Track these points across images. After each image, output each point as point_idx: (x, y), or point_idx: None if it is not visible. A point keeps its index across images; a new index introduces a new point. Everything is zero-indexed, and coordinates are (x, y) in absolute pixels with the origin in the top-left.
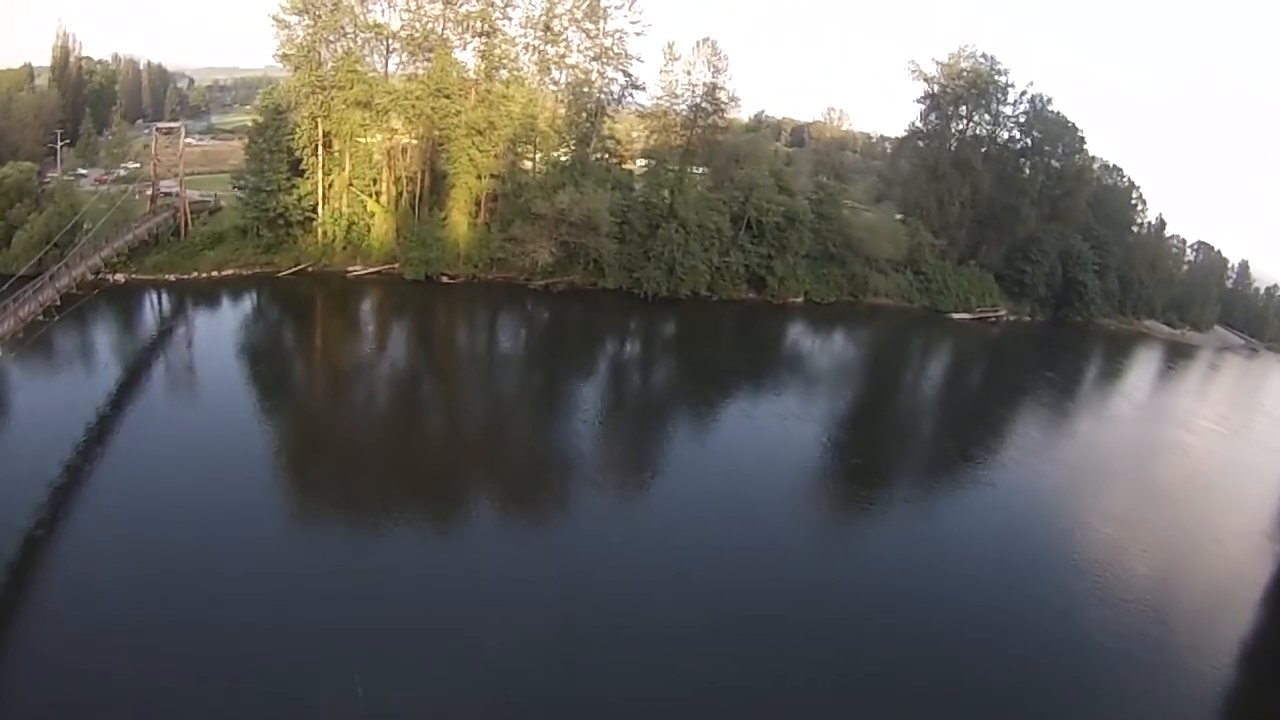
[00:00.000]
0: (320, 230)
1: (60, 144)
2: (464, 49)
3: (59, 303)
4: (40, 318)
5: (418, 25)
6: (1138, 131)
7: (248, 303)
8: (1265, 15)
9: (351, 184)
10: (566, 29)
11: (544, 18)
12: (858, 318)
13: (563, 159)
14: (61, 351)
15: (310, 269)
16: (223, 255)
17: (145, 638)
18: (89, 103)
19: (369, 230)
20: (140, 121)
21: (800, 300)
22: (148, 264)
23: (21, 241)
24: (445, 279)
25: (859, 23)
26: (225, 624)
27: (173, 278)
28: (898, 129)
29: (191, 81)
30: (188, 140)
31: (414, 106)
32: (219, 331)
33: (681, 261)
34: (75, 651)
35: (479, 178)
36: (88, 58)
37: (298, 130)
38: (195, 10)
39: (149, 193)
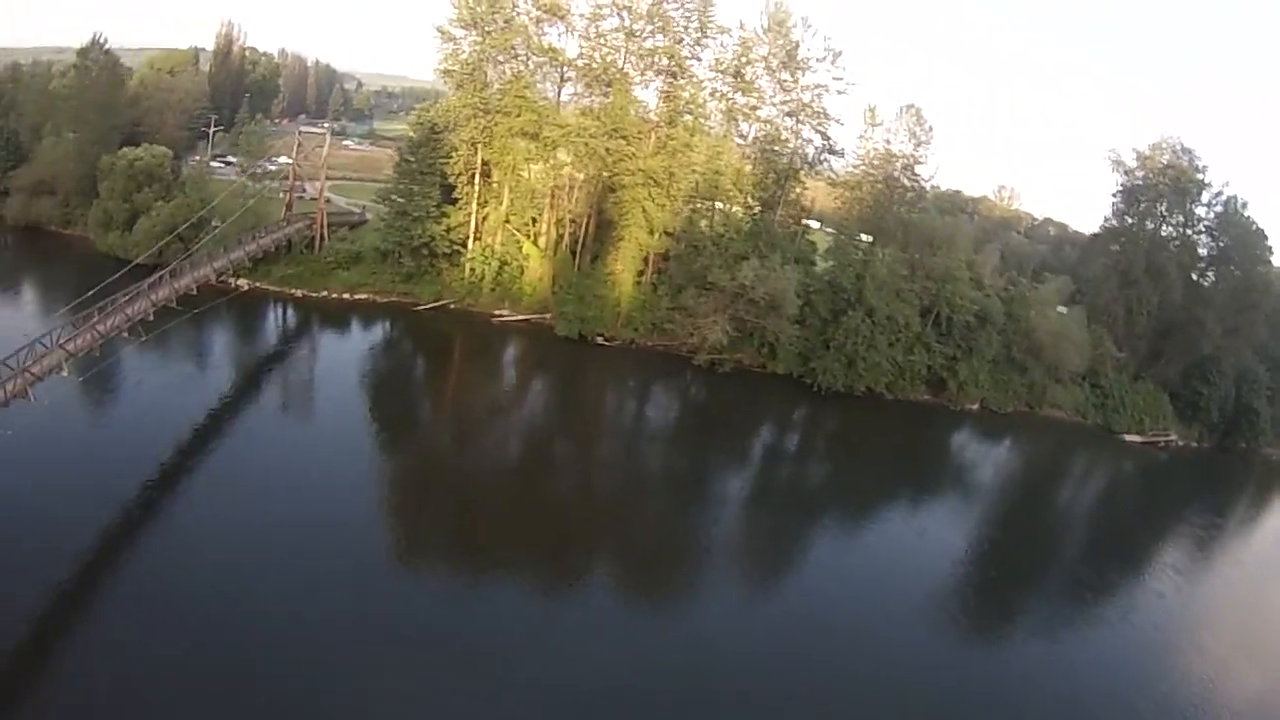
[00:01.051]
0: (468, 266)
1: (213, 129)
2: (645, 87)
3: (174, 303)
4: (151, 317)
5: (597, 56)
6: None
7: (379, 332)
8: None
9: (508, 220)
10: (759, 77)
11: (735, 62)
12: (1030, 431)
13: (746, 223)
14: (176, 351)
15: (452, 306)
16: (358, 277)
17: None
18: (249, 92)
19: (521, 273)
20: (303, 117)
21: (976, 407)
22: (275, 274)
23: (144, 229)
24: (600, 340)
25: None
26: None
27: (300, 293)
28: (1058, 209)
29: (359, 84)
30: (345, 143)
31: (586, 145)
32: (344, 356)
33: (864, 356)
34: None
35: (651, 233)
36: (252, 48)
37: (455, 154)
38: (370, 16)
39: (285, 197)
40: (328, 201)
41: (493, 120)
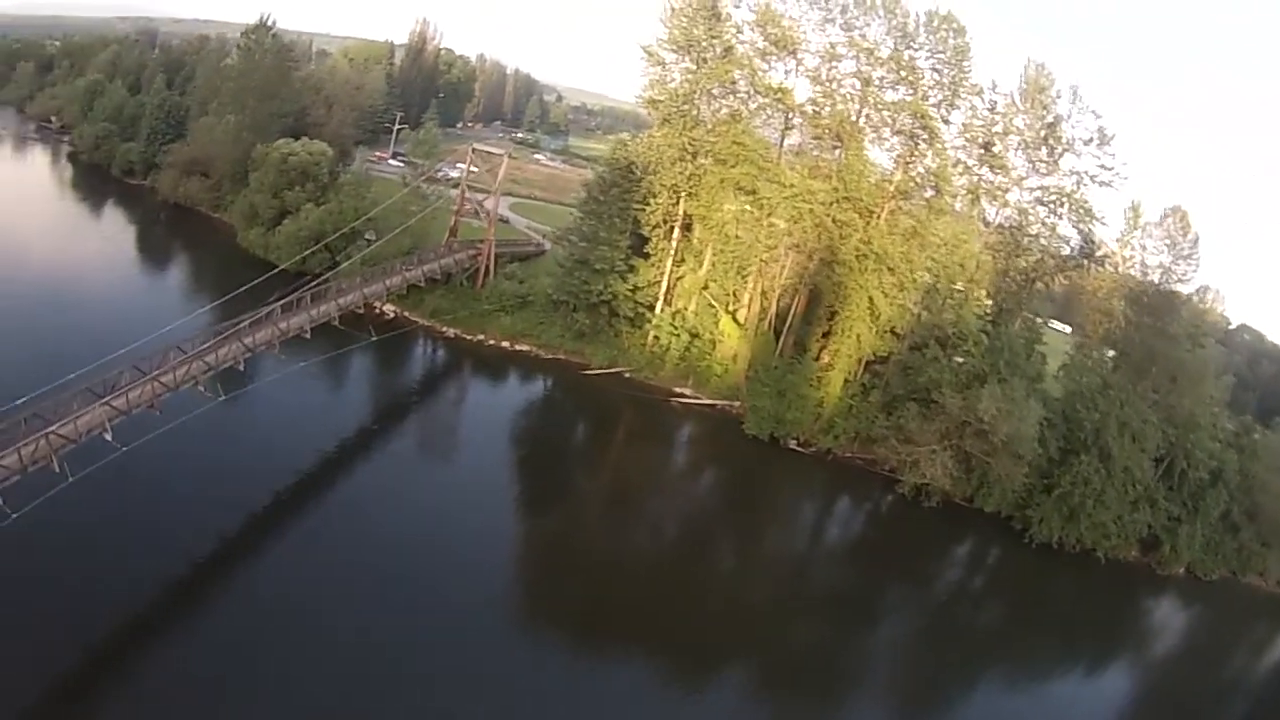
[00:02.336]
0: (653, 334)
1: (397, 126)
2: (878, 147)
3: (308, 331)
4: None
5: (827, 103)
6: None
7: (538, 389)
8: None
9: (707, 286)
10: (1010, 151)
11: (985, 131)
12: (1234, 604)
13: (983, 332)
14: (310, 375)
15: (627, 374)
16: (522, 325)
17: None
18: (441, 93)
19: (713, 349)
20: (497, 124)
21: (1181, 571)
22: (426, 305)
23: (288, 232)
24: (794, 444)
25: None
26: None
27: (452, 333)
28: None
29: (559, 97)
30: (536, 156)
31: (811, 211)
32: (494, 408)
33: (1091, 512)
34: None
35: (875, 329)
36: (448, 49)
37: (653, 201)
38: (576, 30)
39: (451, 221)
40: (504, 222)
41: (701, 166)
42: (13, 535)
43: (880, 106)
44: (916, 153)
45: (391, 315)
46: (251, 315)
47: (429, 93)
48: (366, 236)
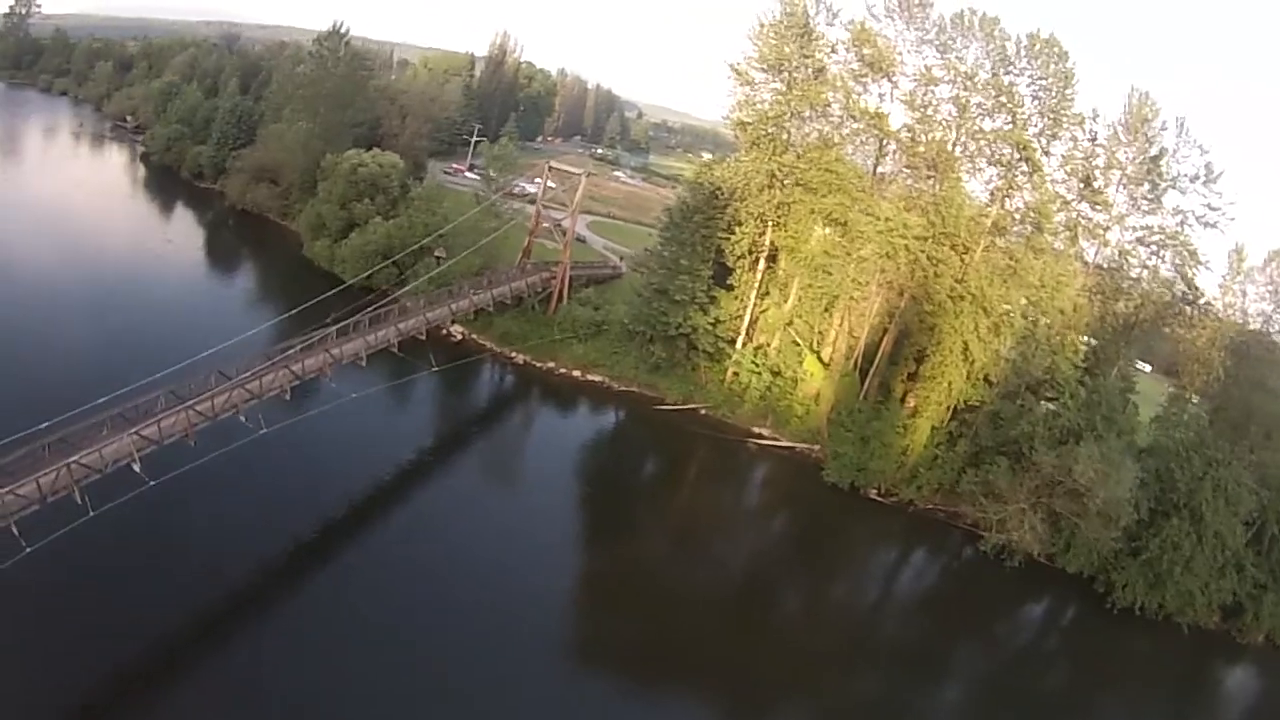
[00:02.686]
0: (732, 371)
1: (474, 139)
2: (973, 176)
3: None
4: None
5: (922, 130)
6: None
7: (608, 421)
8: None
9: (791, 323)
10: (1110, 186)
11: (1085, 164)
12: None
13: (1079, 382)
14: (374, 393)
15: (703, 411)
16: (595, 355)
17: None
18: (520, 106)
19: (795, 389)
20: (577, 138)
21: (1261, 639)
22: (496, 328)
23: (355, 246)
24: (874, 493)
25: None
26: None
27: (521, 359)
28: None
29: (640, 113)
30: (616, 173)
31: (906, 248)
32: (562, 441)
33: (1179, 579)
34: None
35: (968, 376)
36: (528, 62)
37: (738, 230)
38: (658, 47)
39: (525, 241)
40: (580, 242)
41: (791, 194)
42: (26, 569)
43: (977, 135)
44: (1013, 185)
45: (459, 338)
46: (303, 339)
47: (508, 106)
48: (436, 254)
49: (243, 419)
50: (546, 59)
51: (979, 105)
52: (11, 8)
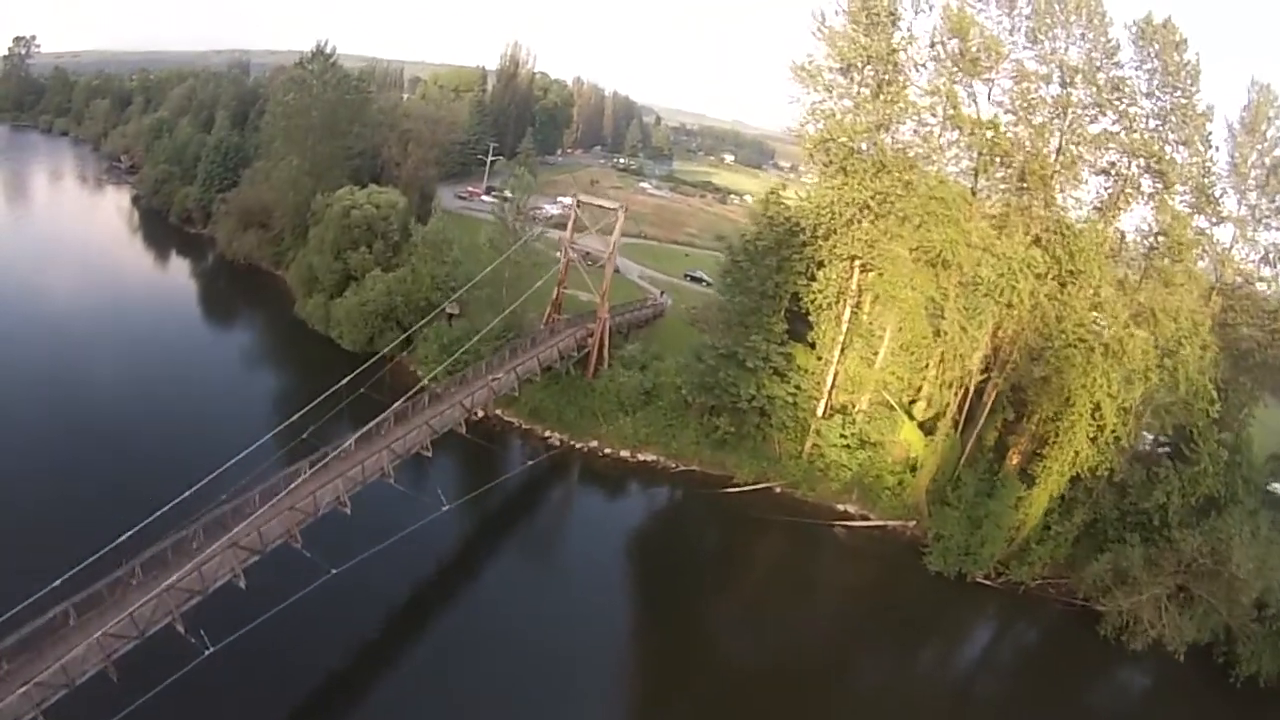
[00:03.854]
0: (811, 441)
1: (490, 158)
2: (1071, 190)
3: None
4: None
5: (1026, 136)
6: None
7: (665, 507)
8: None
9: (887, 385)
10: (1227, 196)
11: (1199, 171)
12: None
13: (1220, 443)
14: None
15: (778, 490)
16: (646, 430)
17: None
18: (538, 120)
19: (885, 458)
20: (598, 149)
21: None
22: (523, 402)
23: (351, 307)
24: (982, 579)
25: None
26: None
27: (556, 438)
28: None
29: (658, 119)
30: (642, 185)
31: (1033, 291)
32: (613, 529)
33: None
34: None
35: (1099, 440)
36: (543, 73)
37: (821, 275)
38: (669, 49)
39: (554, 293)
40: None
41: (886, 228)
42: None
43: (1082, 141)
44: (1124, 200)
45: (481, 413)
46: (319, 460)
47: (524, 120)
48: (449, 312)
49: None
50: (560, 68)
51: (1082, 104)
52: (10, 49)
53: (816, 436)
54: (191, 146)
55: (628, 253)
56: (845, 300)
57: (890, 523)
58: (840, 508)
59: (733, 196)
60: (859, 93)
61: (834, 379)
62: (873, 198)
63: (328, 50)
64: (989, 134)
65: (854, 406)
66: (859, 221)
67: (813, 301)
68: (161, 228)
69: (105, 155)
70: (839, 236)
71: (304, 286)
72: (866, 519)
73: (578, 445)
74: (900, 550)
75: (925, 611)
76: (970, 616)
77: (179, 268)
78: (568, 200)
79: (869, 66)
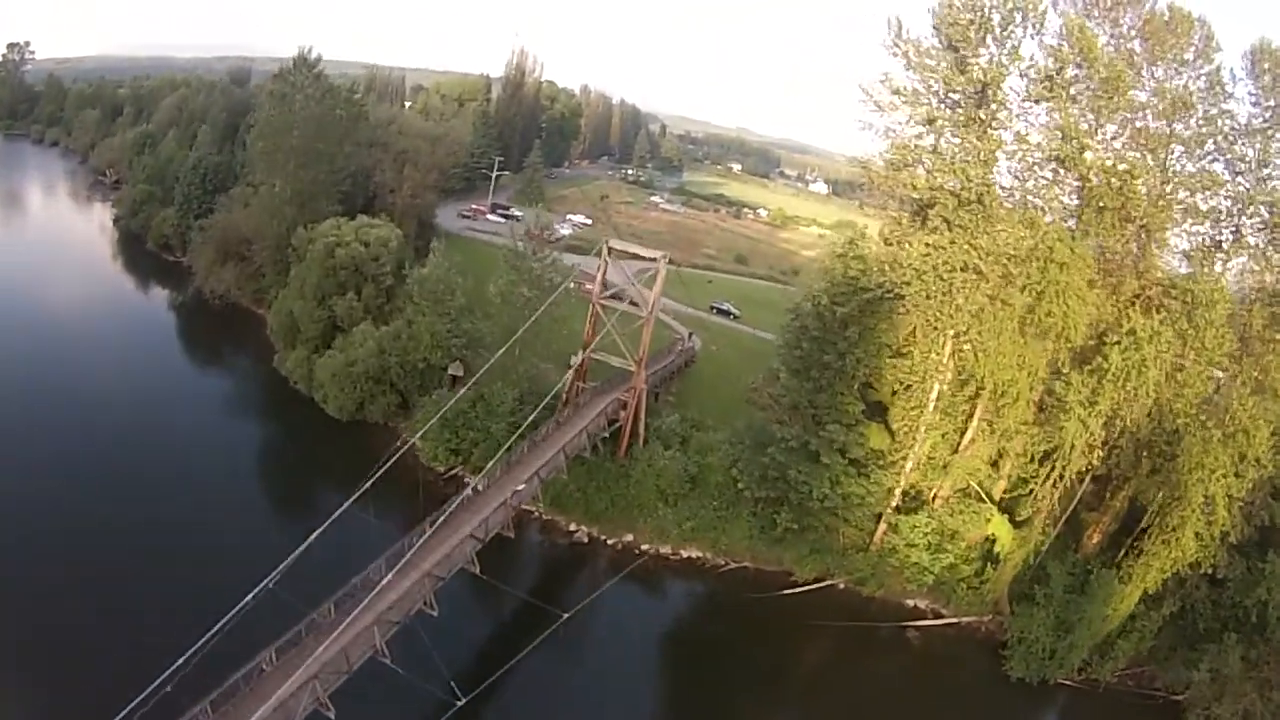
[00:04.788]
0: (882, 534)
1: (496, 172)
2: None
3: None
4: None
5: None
6: None
7: (708, 606)
8: None
9: (973, 473)
10: None
11: None
12: None
13: None
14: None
15: (840, 587)
16: (690, 523)
17: None
18: (544, 131)
19: (965, 552)
20: (605, 159)
21: None
22: (545, 491)
23: (335, 368)
24: (1061, 679)
25: None
26: None
27: (584, 533)
28: None
29: (664, 128)
30: (653, 199)
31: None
32: (644, 632)
33: None
34: None
35: (1209, 533)
36: (550, 82)
37: (915, 351)
38: (672, 56)
39: (577, 358)
40: (633, 305)
41: (996, 294)
42: None
43: (1185, 183)
44: (1232, 252)
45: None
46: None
47: (531, 131)
48: (451, 373)
49: None
50: (564, 75)
51: (1187, 140)
52: (4, 55)
53: (892, 533)
54: (174, 164)
55: (642, 279)
56: (933, 379)
57: (963, 619)
58: (910, 603)
59: (746, 211)
60: (962, 125)
61: (915, 464)
62: (984, 258)
63: (312, 58)
64: (1111, 180)
65: (931, 494)
66: (963, 288)
67: (895, 379)
68: (139, 254)
69: (92, 169)
70: (938, 305)
71: (285, 335)
72: (939, 616)
73: (609, 541)
74: (975, 652)
75: (997, 705)
76: (1042, 712)
77: (150, 305)
78: (578, 219)
79: (967, 92)
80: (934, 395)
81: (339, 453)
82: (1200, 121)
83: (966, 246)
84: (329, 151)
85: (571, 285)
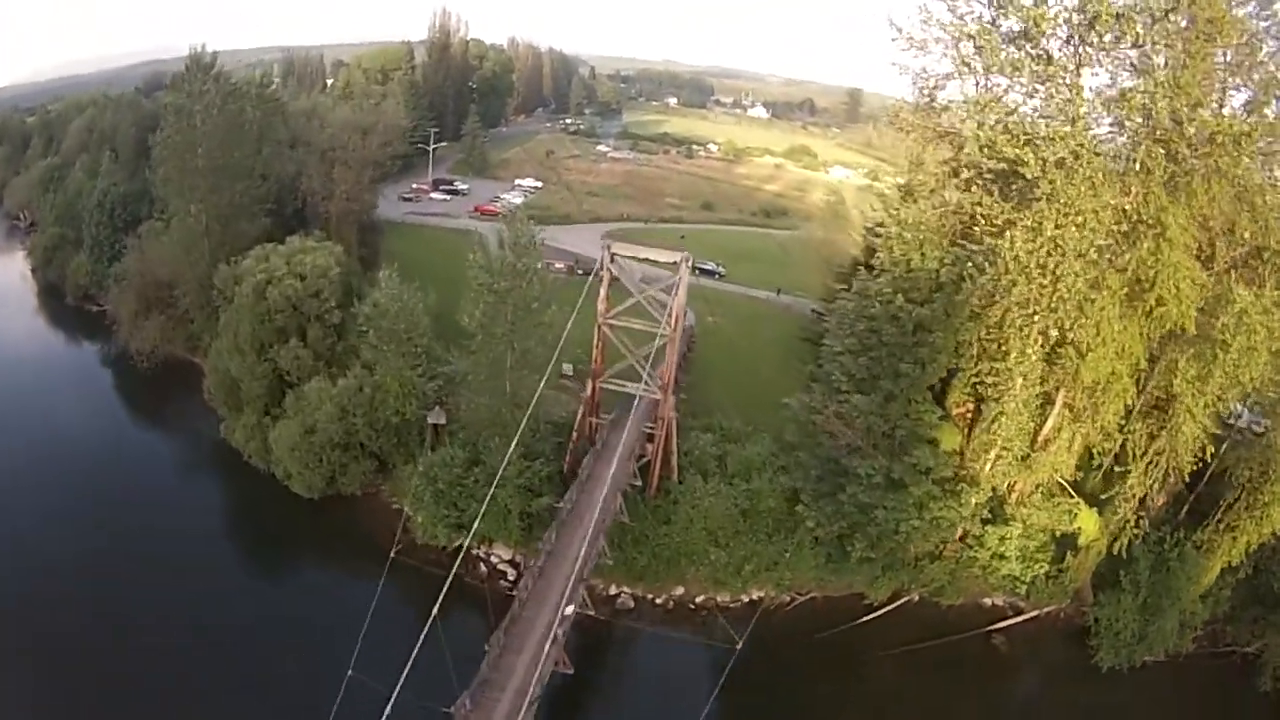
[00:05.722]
0: (958, 538)
1: (433, 146)
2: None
3: None
4: None
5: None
6: None
7: (777, 652)
8: None
9: (1057, 469)
10: None
11: None
12: None
13: None
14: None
15: (915, 599)
16: (748, 563)
17: None
18: (476, 92)
19: (1047, 542)
20: (540, 111)
21: None
22: None
23: (292, 439)
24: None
25: None
26: None
27: (627, 596)
28: None
29: (593, 70)
30: (599, 148)
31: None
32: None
33: None
34: None
35: None
36: (477, 40)
37: (1014, 355)
38: None
39: (586, 389)
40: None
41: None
42: None
43: None
44: None
45: (511, 569)
46: None
47: (464, 95)
48: (432, 422)
49: None
50: (491, 31)
51: None
52: None
53: (976, 544)
54: (84, 198)
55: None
56: (1025, 379)
57: (1041, 610)
58: (987, 603)
59: (696, 148)
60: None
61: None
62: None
63: (206, 59)
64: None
65: (1011, 492)
66: (1066, 275)
67: (995, 382)
68: (58, 308)
69: (5, 213)
70: (1037, 297)
71: (226, 397)
72: (1019, 611)
73: (658, 600)
74: (1060, 644)
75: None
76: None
77: (69, 370)
78: (528, 183)
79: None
80: (1018, 389)
81: (319, 536)
82: None
83: (1078, 232)
84: (244, 164)
85: (539, 266)
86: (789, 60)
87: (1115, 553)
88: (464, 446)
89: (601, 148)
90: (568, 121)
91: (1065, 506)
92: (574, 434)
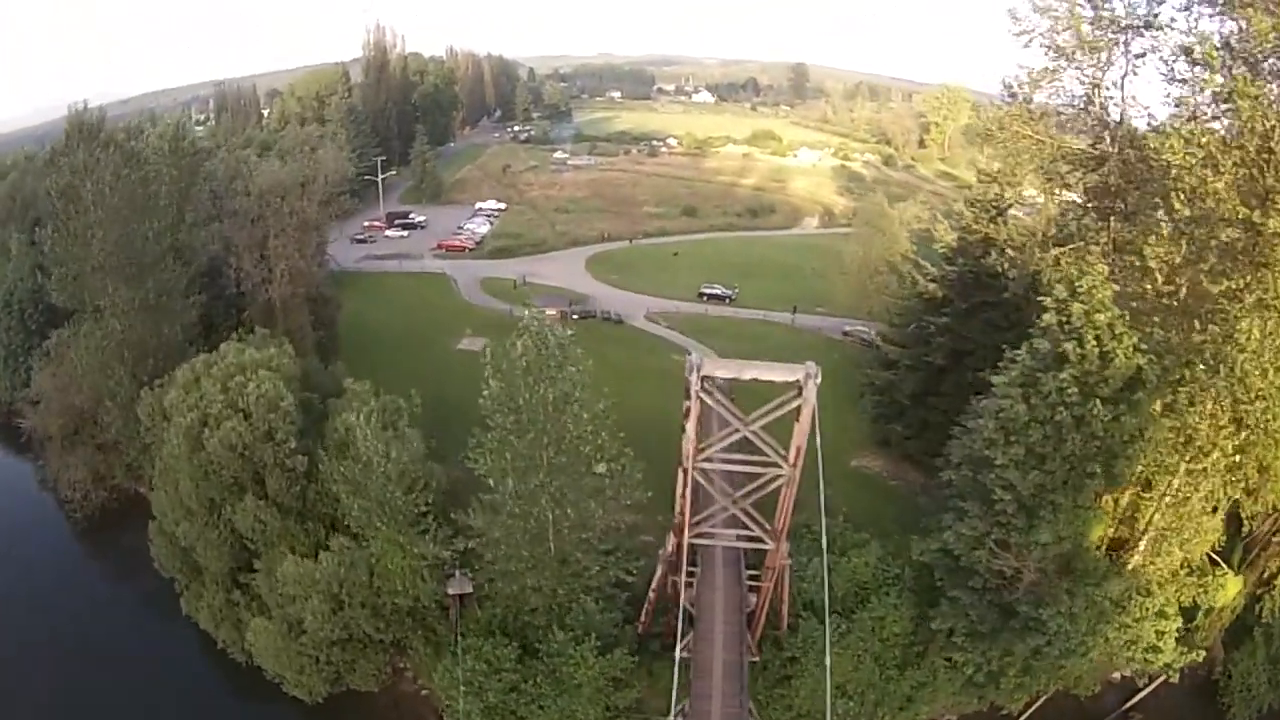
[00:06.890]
0: (1110, 620)
1: (380, 176)
2: None
3: None
4: None
5: None
6: None
7: None
8: None
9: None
10: None
11: None
12: None
13: None
14: None
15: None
16: (881, 707)
17: None
18: (423, 110)
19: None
20: (485, 122)
21: None
22: None
23: (275, 644)
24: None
25: None
26: None
27: None
28: None
29: (532, 72)
30: (557, 155)
31: None
32: None
33: None
34: None
35: None
36: (415, 54)
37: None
38: None
39: (659, 570)
40: (616, 323)
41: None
42: None
43: None
44: None
45: None
46: None
47: (406, 114)
48: (452, 592)
49: None
50: (428, 43)
51: None
52: None
53: (1135, 624)
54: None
55: (599, 272)
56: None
57: (1171, 669)
58: (1116, 676)
59: (657, 144)
60: None
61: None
62: None
63: (91, 121)
64: None
65: (1148, 566)
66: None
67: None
68: None
69: None
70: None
71: (179, 568)
72: (1148, 679)
73: None
74: (1191, 704)
75: None
76: None
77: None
78: (489, 206)
79: None
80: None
81: None
82: None
83: None
84: (157, 248)
85: (527, 311)
86: (724, 39)
87: (1259, 616)
88: (507, 632)
89: (559, 155)
90: (517, 129)
91: (1218, 582)
92: (650, 594)
